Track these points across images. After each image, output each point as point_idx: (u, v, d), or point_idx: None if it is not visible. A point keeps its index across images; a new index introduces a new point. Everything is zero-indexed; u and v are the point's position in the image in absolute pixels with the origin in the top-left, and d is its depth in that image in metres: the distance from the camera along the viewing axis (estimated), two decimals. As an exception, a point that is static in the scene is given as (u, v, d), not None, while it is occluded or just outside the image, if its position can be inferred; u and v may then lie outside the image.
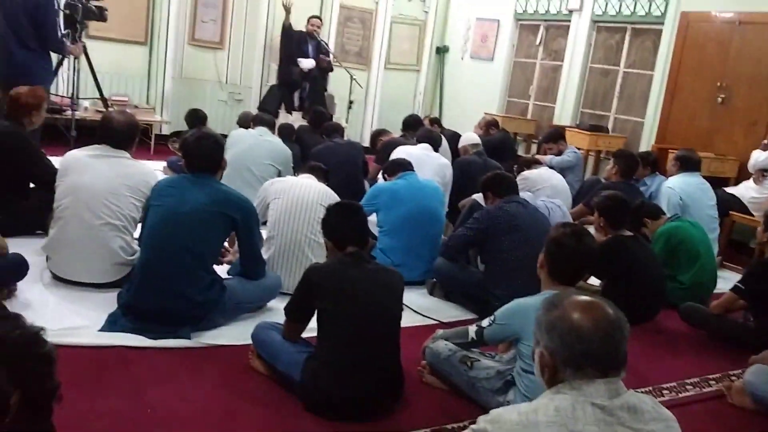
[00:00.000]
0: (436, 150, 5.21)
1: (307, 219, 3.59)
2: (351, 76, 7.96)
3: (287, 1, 7.57)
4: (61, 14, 5.32)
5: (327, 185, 3.83)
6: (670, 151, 6.22)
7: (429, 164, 4.95)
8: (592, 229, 3.80)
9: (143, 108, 7.71)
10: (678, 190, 5.09)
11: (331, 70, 7.97)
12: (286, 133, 5.84)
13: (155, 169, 5.29)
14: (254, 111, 7.39)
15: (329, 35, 8.67)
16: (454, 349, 2.77)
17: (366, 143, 8.08)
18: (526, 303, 2.48)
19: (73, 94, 6.22)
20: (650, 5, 7.43)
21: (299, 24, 7.85)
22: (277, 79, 8.01)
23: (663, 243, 4.34)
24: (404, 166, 4.38)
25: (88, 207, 3.30)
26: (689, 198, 5.07)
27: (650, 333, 3.90)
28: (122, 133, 3.39)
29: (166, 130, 7.68)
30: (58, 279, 3.41)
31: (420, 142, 5.27)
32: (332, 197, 3.66)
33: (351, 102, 8.16)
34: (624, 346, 1.40)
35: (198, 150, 3.04)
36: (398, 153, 4.98)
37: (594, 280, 4.21)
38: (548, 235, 2.54)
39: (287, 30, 7.68)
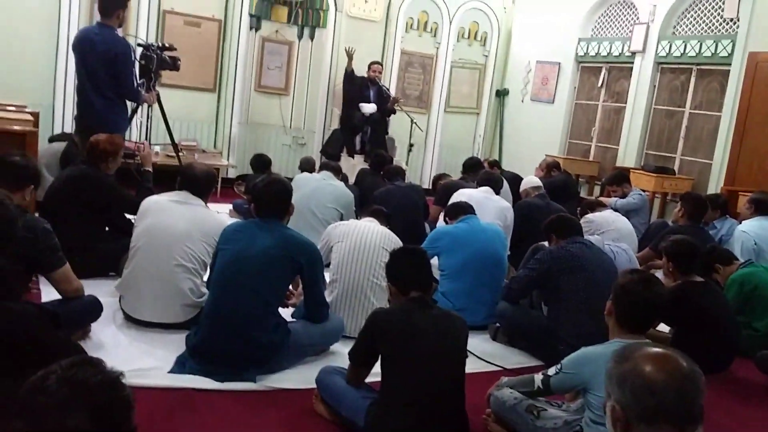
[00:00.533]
0: (497, 193, 5.15)
1: (370, 262, 3.58)
2: (411, 120, 7.95)
3: (350, 47, 7.67)
4: (137, 65, 5.49)
5: (388, 228, 3.82)
6: (740, 193, 6.06)
7: (490, 207, 4.90)
8: (660, 274, 3.70)
9: (210, 152, 7.84)
10: (752, 234, 4.93)
11: (393, 113, 7.99)
12: (332, 172, 5.66)
13: (221, 212, 5.32)
14: (317, 155, 7.62)
15: (390, 80, 8.71)
16: (520, 398, 2.71)
17: (426, 185, 8.12)
18: (594, 352, 2.42)
19: (145, 139, 6.34)
20: (716, 46, 7.28)
21: (361, 70, 7.94)
22: (339, 123, 8.15)
23: (736, 289, 4.20)
24: (465, 209, 4.36)
25: (163, 248, 3.37)
26: (764, 242, 4.90)
27: (724, 384, 3.77)
28: (202, 182, 3.53)
29: (232, 174, 7.83)
30: (129, 320, 3.47)
31: (481, 186, 5.22)
32: (394, 241, 3.65)
33: (411, 145, 8.16)
34: (700, 400, 1.35)
35: (268, 195, 3.09)
36: (459, 196, 4.96)
37: (663, 327, 4.10)
38: (616, 281, 2.48)
39: (349, 75, 7.79)
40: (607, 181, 6.63)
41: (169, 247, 3.35)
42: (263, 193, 3.10)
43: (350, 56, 7.63)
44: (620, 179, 6.47)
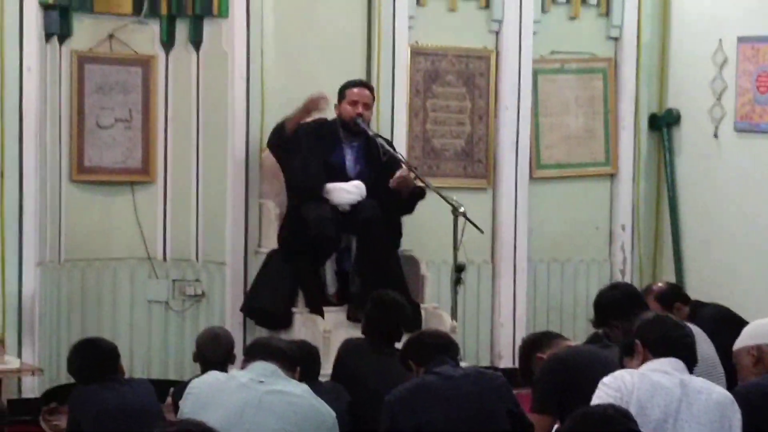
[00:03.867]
0: (690, 368, 3.08)
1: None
2: (453, 208, 4.49)
3: (317, 95, 4.77)
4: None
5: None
6: None
7: (686, 407, 3.07)
8: None
9: None
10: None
11: (418, 197, 4.79)
12: (286, 362, 3.36)
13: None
14: (234, 322, 4.85)
15: (392, 123, 5.26)
16: None
17: (507, 364, 5.25)
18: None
19: None
20: None
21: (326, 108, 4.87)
22: (279, 236, 4.78)
23: None
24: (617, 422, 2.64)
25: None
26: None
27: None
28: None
29: (32, 390, 4.96)
30: None
31: (655, 352, 3.12)
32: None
33: (460, 268, 4.58)
34: None
35: None
36: (604, 392, 3.00)
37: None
38: None
39: (286, 132, 4.70)
40: None
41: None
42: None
43: (310, 110, 4.65)
44: None
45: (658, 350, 2.85)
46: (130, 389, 3.28)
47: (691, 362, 2.86)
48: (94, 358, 3.50)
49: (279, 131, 4.60)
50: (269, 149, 4.76)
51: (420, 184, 4.77)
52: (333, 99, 4.67)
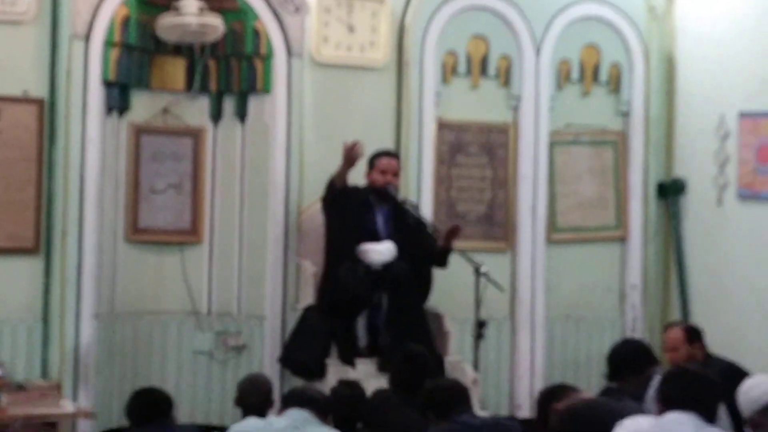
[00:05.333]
0: (710, 419, 3.04)
1: None
2: (475, 270, 4.70)
3: (354, 144, 4.79)
4: None
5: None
6: None
7: None
8: None
9: (36, 388, 4.68)
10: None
11: (446, 255, 4.93)
12: (319, 409, 3.56)
13: None
14: (273, 370, 4.96)
15: (419, 188, 5.40)
16: None
17: (526, 413, 5.34)
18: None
19: None
20: None
21: (356, 175, 4.87)
22: (316, 295, 4.89)
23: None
24: None
25: None
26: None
27: None
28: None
29: None
30: None
31: (669, 404, 3.06)
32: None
33: (481, 324, 4.80)
34: None
35: None
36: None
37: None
38: None
39: (340, 192, 4.87)
40: None
41: None
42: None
43: (352, 159, 4.72)
44: None
45: (677, 403, 2.83)
46: (178, 434, 3.25)
47: (709, 408, 2.83)
48: (151, 405, 3.58)
49: (330, 188, 4.69)
50: (323, 206, 4.82)
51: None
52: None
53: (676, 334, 4.45)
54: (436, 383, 3.78)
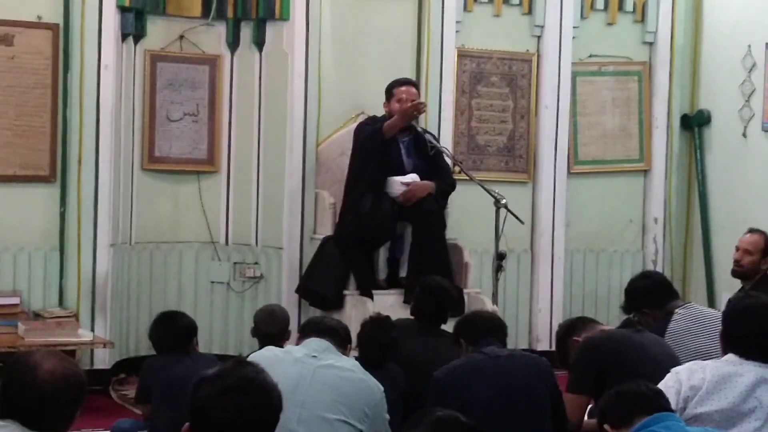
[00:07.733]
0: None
1: None
2: (495, 201, 4.56)
3: (419, 103, 4.67)
4: None
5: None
6: None
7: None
8: None
9: (53, 317, 4.67)
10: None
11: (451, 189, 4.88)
12: (338, 339, 3.40)
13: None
14: (290, 302, 4.86)
15: (439, 119, 5.24)
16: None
17: (544, 347, 5.21)
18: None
19: None
20: None
21: (375, 103, 4.75)
22: (336, 225, 4.81)
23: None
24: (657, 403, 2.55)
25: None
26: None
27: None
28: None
29: (103, 362, 4.90)
30: None
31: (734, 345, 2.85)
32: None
33: (501, 257, 4.69)
34: None
35: None
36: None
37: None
38: None
39: (385, 138, 4.65)
40: None
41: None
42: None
43: (411, 117, 4.61)
44: None
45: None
46: (198, 363, 3.22)
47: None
48: (173, 330, 3.51)
49: (377, 136, 4.54)
50: (360, 147, 4.65)
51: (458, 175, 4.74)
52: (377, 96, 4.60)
53: (758, 239, 4.42)
54: (475, 312, 3.80)
